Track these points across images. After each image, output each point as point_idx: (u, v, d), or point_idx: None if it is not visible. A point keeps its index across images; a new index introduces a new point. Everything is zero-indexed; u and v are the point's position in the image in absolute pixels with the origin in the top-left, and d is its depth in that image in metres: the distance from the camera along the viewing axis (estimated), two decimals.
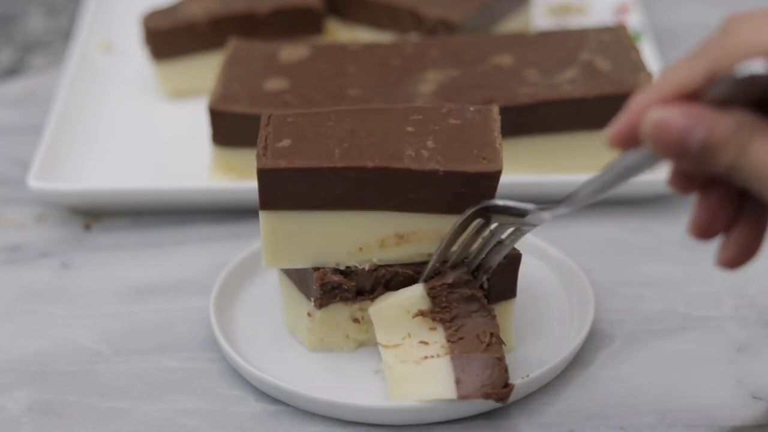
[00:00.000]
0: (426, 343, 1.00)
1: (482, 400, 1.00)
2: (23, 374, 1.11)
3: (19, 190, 1.36)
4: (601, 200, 1.28)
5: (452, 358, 0.99)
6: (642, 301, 1.18)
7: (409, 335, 1.01)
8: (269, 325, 1.14)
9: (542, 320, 1.12)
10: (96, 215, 1.33)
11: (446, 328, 1.01)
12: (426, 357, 0.99)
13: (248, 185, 1.28)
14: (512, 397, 1.01)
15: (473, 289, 1.02)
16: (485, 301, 1.02)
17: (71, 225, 1.32)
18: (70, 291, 1.22)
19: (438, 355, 0.99)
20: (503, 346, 1.01)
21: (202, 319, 1.16)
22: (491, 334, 0.99)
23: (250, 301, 1.17)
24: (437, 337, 1.01)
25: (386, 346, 1.01)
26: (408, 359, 1.00)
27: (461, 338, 1.00)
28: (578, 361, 1.10)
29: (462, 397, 0.98)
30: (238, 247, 1.24)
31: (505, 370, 0.98)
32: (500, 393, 0.98)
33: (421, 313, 1.02)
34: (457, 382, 0.98)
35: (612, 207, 1.31)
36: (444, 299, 1.02)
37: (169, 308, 1.19)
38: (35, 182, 1.30)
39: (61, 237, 1.30)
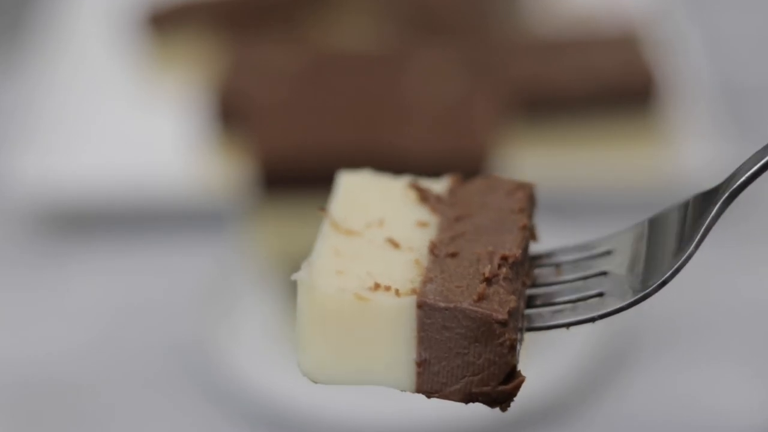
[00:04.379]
0: (397, 246, 0.56)
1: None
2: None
3: None
4: (623, 206, 1.29)
5: (419, 305, 0.53)
6: (651, 307, 1.15)
7: (380, 223, 0.57)
8: (262, 337, 1.12)
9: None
10: (81, 222, 1.29)
11: (444, 228, 0.57)
12: (378, 286, 0.53)
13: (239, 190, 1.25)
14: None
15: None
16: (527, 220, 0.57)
17: (49, 234, 1.29)
18: (52, 303, 1.20)
19: (398, 291, 0.53)
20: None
21: (191, 333, 1.14)
22: (502, 258, 0.54)
23: (242, 313, 1.15)
24: (419, 241, 0.57)
25: (336, 226, 0.57)
26: (351, 267, 0.55)
27: (453, 254, 0.55)
28: (585, 371, 1.09)
29: (423, 392, 0.54)
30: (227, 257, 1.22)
31: (511, 346, 0.52)
32: (497, 392, 0.53)
33: (419, 190, 0.60)
34: (420, 363, 0.53)
35: (636, 212, 1.29)
36: (465, 197, 0.60)
37: (155, 323, 1.17)
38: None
39: (42, 245, 1.27)
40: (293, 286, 0.63)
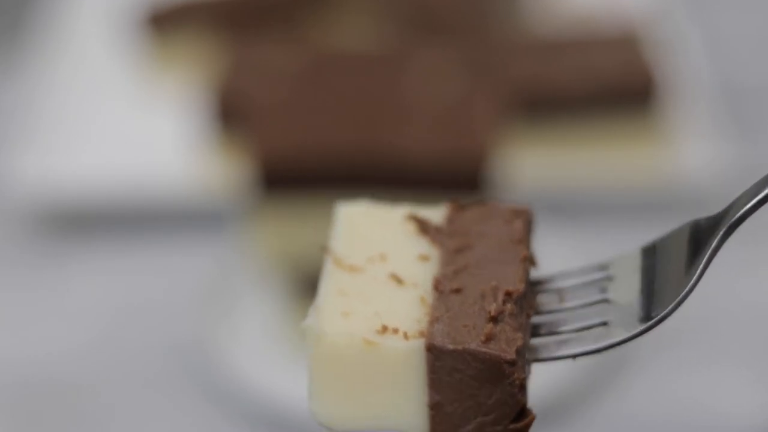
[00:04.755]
0: (400, 282, 0.56)
1: None
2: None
3: None
4: (623, 206, 1.28)
5: (428, 348, 0.53)
6: None
7: (383, 258, 0.57)
8: (262, 337, 1.12)
9: None
10: (81, 222, 1.29)
11: (445, 262, 0.57)
12: (386, 328, 0.53)
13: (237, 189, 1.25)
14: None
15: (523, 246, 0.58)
16: (528, 251, 0.57)
17: (49, 234, 1.28)
18: (52, 303, 1.20)
19: (407, 334, 0.53)
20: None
21: (191, 333, 1.13)
22: (506, 294, 0.54)
23: (242, 313, 1.14)
24: (422, 276, 0.57)
25: (338, 263, 0.57)
26: (357, 307, 0.55)
27: (458, 290, 0.56)
28: (585, 371, 1.08)
29: None
30: (226, 256, 1.21)
31: (521, 385, 0.53)
32: (509, 431, 0.54)
33: (418, 222, 0.59)
34: (432, 405, 0.54)
35: (636, 212, 1.28)
36: (463, 226, 0.59)
37: (155, 323, 1.16)
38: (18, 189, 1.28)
39: (42, 245, 1.27)
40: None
